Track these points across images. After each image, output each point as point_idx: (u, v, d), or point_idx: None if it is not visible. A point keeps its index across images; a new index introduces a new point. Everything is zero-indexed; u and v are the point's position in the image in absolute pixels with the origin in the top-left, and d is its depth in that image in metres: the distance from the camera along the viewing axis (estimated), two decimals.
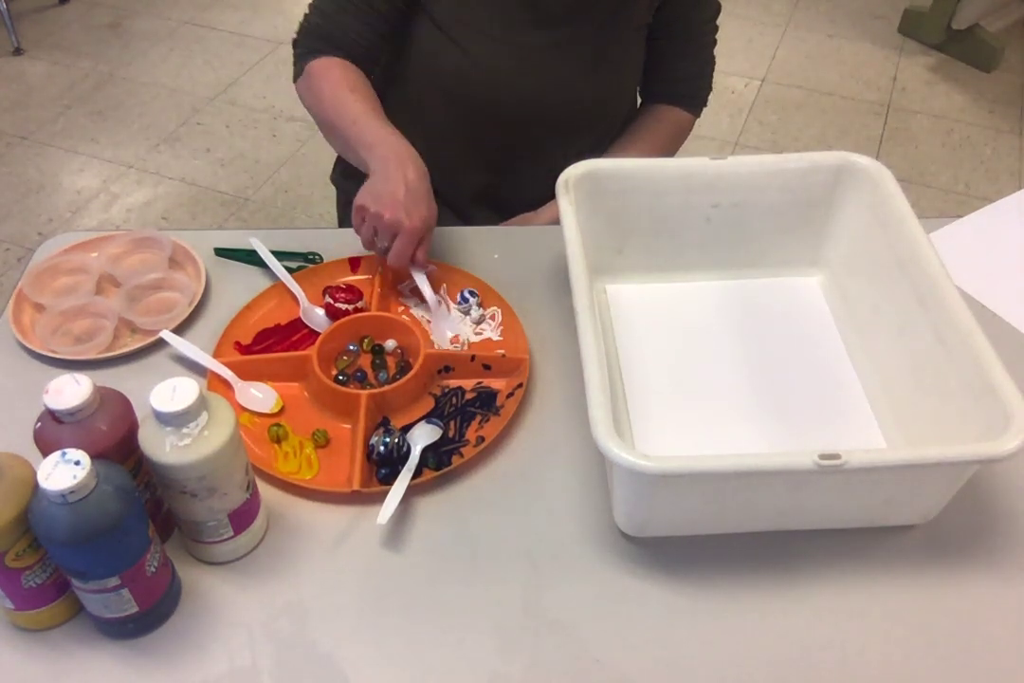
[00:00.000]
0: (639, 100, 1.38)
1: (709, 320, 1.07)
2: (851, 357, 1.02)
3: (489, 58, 1.19)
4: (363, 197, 1.02)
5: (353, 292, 1.05)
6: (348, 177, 1.41)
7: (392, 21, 1.18)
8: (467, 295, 1.07)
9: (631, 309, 1.08)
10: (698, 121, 1.39)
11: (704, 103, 1.36)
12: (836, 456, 0.73)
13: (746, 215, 1.06)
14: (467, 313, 1.07)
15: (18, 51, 3.02)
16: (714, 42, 1.31)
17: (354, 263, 1.12)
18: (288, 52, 1.21)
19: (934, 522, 0.87)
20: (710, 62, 1.33)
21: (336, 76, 1.13)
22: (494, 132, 1.27)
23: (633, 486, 0.81)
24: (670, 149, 1.37)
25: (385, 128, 1.07)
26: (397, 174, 1.01)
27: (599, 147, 1.33)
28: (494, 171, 1.31)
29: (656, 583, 0.83)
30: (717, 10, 1.28)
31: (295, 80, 1.20)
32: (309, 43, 1.17)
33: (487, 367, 0.99)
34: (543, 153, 1.29)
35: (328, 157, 1.45)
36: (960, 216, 1.23)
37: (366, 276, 1.10)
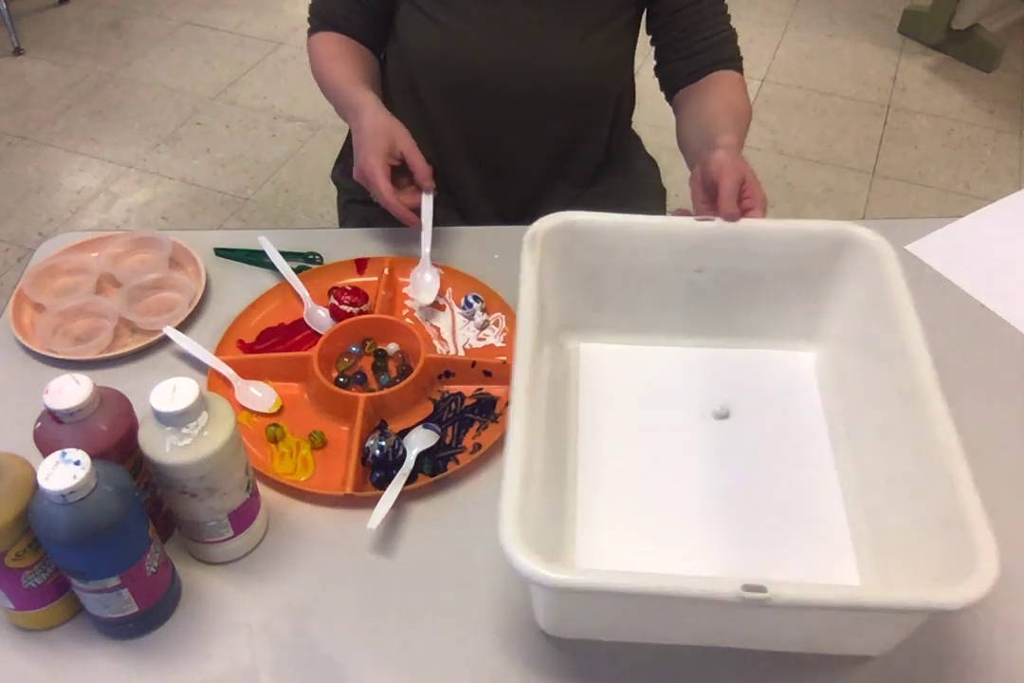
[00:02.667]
0: (668, 96, 1.30)
1: (687, 394, 0.97)
2: (835, 453, 0.92)
3: (473, 36, 1.19)
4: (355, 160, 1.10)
5: (359, 295, 1.05)
6: (348, 175, 1.41)
7: (382, 2, 1.23)
8: (471, 300, 1.07)
9: (602, 372, 0.99)
10: None
11: (742, 62, 1.27)
12: (761, 589, 0.64)
13: (734, 282, 0.96)
14: (471, 318, 1.06)
15: (18, 51, 3.01)
16: (728, 16, 1.24)
17: (360, 264, 1.12)
18: (288, 52, 1.23)
19: (897, 652, 0.77)
20: (730, 28, 1.25)
21: (324, 50, 1.23)
22: (487, 112, 1.26)
23: (545, 593, 0.73)
24: (744, 99, 1.27)
25: (353, 91, 1.14)
26: (355, 133, 1.10)
27: (595, 133, 1.32)
28: (494, 159, 1.31)
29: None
30: None
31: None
32: (312, 20, 1.28)
33: (488, 373, 0.99)
34: (540, 136, 1.28)
35: (328, 156, 1.45)
36: (960, 216, 1.22)
37: (372, 277, 1.10)
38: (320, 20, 1.26)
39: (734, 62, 1.26)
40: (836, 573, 0.82)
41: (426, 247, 1.10)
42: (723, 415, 0.95)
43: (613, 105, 1.34)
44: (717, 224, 0.93)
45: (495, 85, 1.23)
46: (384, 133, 1.08)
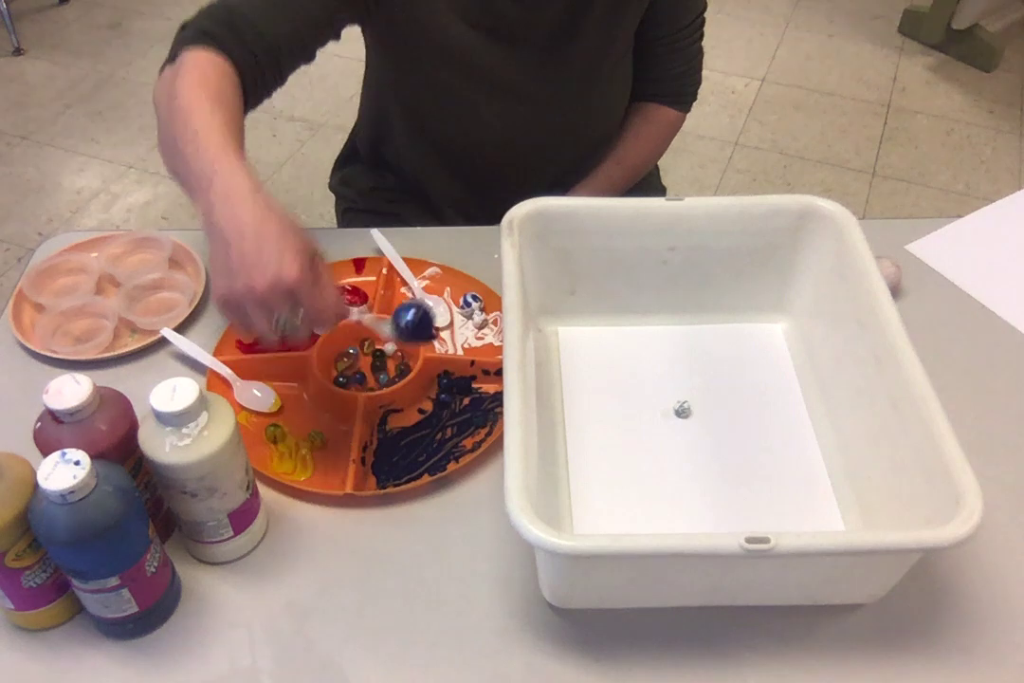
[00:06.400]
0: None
1: (664, 369, 1.00)
2: (811, 415, 0.95)
3: (478, 112, 1.19)
4: (218, 282, 0.75)
5: (358, 294, 1.05)
6: (347, 184, 1.40)
7: (321, 33, 1.02)
8: (469, 299, 1.07)
9: (582, 354, 1.01)
10: (698, 121, 1.39)
11: (694, 98, 1.34)
12: (764, 540, 0.67)
13: (705, 259, 0.99)
14: (469, 318, 1.06)
15: (18, 51, 3.02)
16: (702, 35, 1.28)
17: (359, 264, 1.12)
18: None
19: (886, 600, 0.80)
20: (698, 56, 1.30)
21: (210, 78, 0.87)
22: (482, 171, 1.28)
23: (553, 561, 0.75)
24: (661, 148, 1.36)
25: (229, 153, 0.79)
26: (235, 221, 0.75)
27: (599, 152, 1.32)
28: (494, 191, 1.31)
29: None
30: (703, 8, 1.25)
31: (162, 68, 0.93)
32: (205, 24, 0.92)
33: (487, 373, 0.99)
34: (534, 174, 1.29)
35: (328, 157, 1.45)
36: (960, 216, 1.23)
37: (371, 277, 1.10)
38: (226, 27, 0.92)
39: (678, 98, 1.32)
40: (824, 526, 0.86)
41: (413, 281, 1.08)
42: (699, 389, 0.97)
43: (613, 131, 1.34)
44: (686, 203, 0.96)
45: (492, 153, 1.25)
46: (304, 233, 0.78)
